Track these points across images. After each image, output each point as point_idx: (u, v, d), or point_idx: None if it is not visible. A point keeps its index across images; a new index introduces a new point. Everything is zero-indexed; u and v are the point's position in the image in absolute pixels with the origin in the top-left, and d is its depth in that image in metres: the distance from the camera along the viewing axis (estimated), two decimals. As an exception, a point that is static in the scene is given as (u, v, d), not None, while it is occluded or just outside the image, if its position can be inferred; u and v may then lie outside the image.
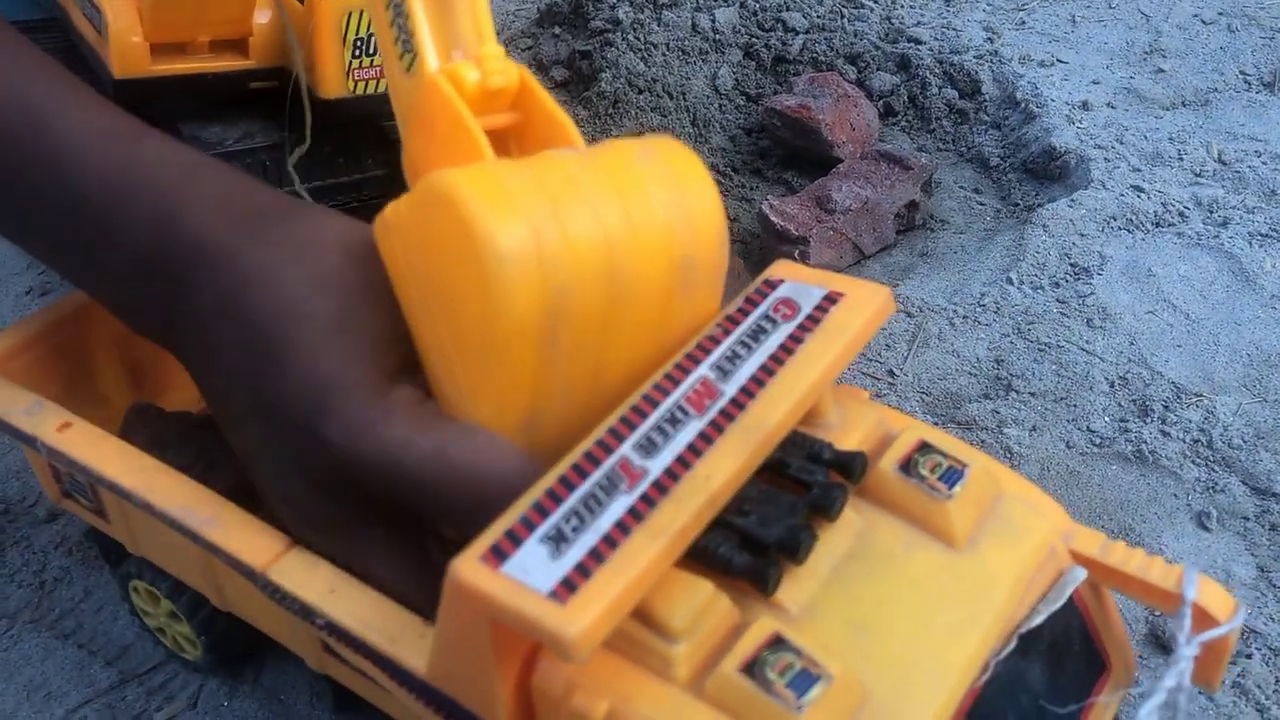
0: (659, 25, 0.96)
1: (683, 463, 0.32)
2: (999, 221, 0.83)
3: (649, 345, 0.37)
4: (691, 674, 0.31)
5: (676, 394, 0.35)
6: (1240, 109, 0.92)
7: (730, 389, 0.35)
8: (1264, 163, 0.84)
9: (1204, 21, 1.05)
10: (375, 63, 0.66)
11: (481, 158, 0.35)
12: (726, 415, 0.34)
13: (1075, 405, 0.65)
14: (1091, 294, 0.72)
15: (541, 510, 0.30)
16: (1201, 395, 0.64)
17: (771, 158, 0.91)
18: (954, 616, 0.34)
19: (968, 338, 0.70)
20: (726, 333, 0.37)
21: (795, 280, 0.40)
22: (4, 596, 0.59)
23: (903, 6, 1.08)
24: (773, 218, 0.77)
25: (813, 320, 0.38)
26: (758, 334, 0.37)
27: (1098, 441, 0.62)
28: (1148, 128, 0.90)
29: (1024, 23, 1.06)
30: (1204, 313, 0.71)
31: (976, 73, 0.96)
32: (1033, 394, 0.65)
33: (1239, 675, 0.51)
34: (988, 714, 0.33)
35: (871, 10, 1.05)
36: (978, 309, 0.72)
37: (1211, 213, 0.79)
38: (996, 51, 1.00)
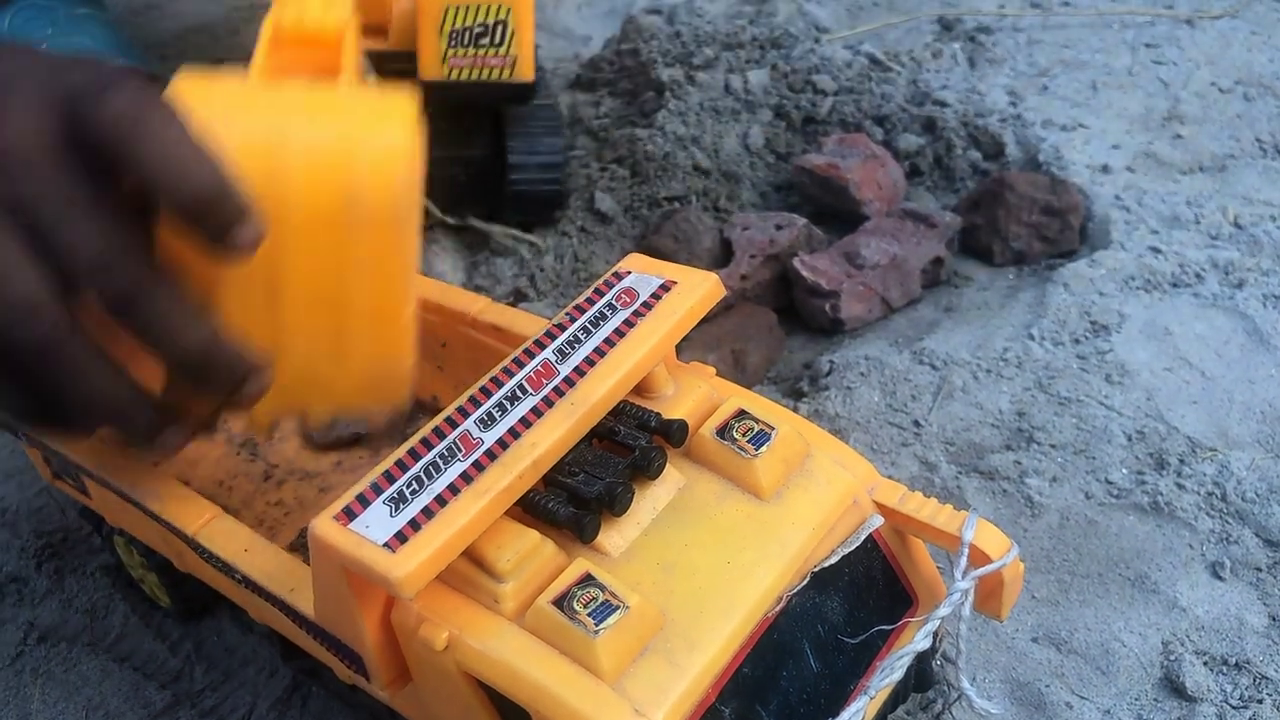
0: (693, 86, 1.00)
1: (514, 434, 0.38)
2: (1021, 279, 0.86)
3: (322, 275, 0.41)
4: (517, 608, 0.37)
5: (520, 375, 0.41)
6: (1256, 175, 0.95)
7: (566, 369, 0.41)
8: (1279, 227, 0.86)
9: (1221, 90, 1.08)
10: (470, 53, 0.78)
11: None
12: (558, 392, 0.40)
13: (1094, 457, 0.67)
14: (1110, 351, 0.74)
15: (389, 477, 0.37)
16: (1216, 450, 0.67)
17: (800, 214, 0.94)
18: (753, 556, 0.39)
19: (991, 391, 0.72)
20: (573, 320, 0.43)
21: (640, 272, 0.45)
22: (63, 621, 0.62)
23: (929, 71, 1.12)
24: (804, 272, 0.80)
25: (646, 306, 0.43)
26: (598, 320, 0.43)
27: (1115, 493, 0.65)
28: (1166, 191, 0.92)
29: (1046, 88, 1.09)
30: (1219, 371, 0.73)
31: (1000, 135, 0.99)
32: (1053, 446, 0.68)
33: (1252, 720, 0.52)
34: (781, 639, 0.39)
35: (898, 74, 1.08)
36: (1000, 363, 0.74)
37: (1227, 274, 0.82)
38: (1020, 115, 1.03)
